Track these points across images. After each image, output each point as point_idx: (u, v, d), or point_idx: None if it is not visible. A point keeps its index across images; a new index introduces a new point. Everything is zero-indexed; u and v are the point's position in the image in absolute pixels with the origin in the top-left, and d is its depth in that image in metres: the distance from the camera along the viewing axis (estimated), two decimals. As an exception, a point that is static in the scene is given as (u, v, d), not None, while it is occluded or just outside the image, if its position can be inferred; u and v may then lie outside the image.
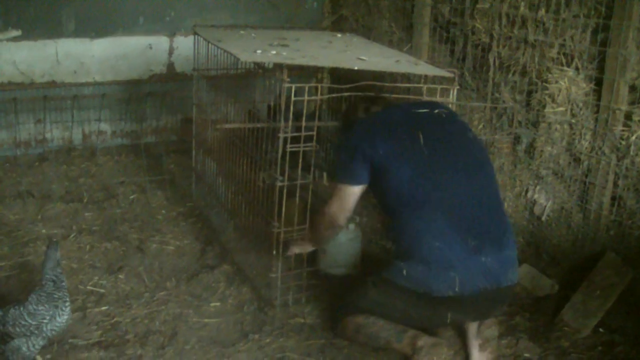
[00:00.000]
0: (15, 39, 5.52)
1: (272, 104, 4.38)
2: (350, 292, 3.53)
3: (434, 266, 3.10)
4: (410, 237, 3.20)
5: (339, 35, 5.06)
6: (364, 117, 3.59)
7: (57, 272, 3.17)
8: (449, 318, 3.22)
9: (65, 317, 3.15)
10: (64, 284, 3.18)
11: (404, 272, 3.17)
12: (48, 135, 5.74)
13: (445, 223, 3.14)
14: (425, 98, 3.80)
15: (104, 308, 3.72)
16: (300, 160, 3.57)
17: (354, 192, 3.40)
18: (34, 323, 3.08)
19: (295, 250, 3.77)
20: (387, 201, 3.35)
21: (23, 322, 3.07)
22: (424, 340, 3.21)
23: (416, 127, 3.33)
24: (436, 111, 3.42)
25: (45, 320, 3.09)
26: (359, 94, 3.61)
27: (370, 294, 3.37)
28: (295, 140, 3.53)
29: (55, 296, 3.12)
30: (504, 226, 3.26)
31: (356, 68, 3.68)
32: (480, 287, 3.09)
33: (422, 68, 3.98)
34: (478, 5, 4.63)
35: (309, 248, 3.79)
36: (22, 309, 3.10)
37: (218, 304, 3.85)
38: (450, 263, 3.09)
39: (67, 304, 3.17)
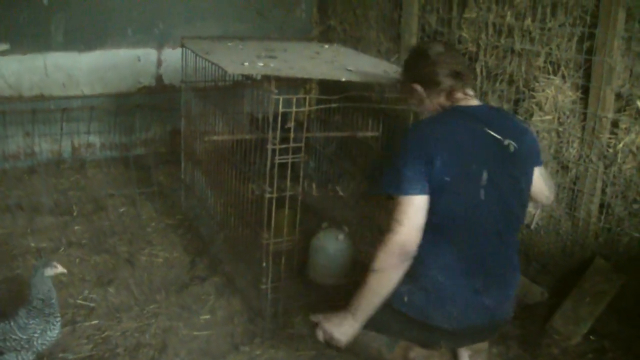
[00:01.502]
0: (3, 52, 5.52)
1: (258, 115, 4.39)
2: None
3: (433, 297, 2.94)
4: (418, 262, 2.90)
5: (327, 46, 5.08)
6: (428, 118, 3.02)
7: (45, 288, 3.14)
8: (441, 345, 3.16)
9: (56, 331, 3.14)
10: (53, 301, 3.15)
11: (405, 298, 2.93)
12: (37, 148, 5.74)
13: (458, 260, 2.93)
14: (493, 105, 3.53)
15: (94, 322, 3.71)
16: (289, 171, 3.57)
17: (422, 203, 2.82)
18: (24, 337, 3.07)
19: (340, 334, 2.95)
20: None
21: (14, 337, 3.06)
22: (416, 352, 3.19)
23: (483, 162, 2.86)
24: (506, 143, 2.91)
25: (36, 335, 3.08)
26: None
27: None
28: (284, 151, 3.54)
29: (46, 312, 3.11)
30: (514, 268, 3.11)
31: (344, 79, 3.69)
32: (477, 323, 3.01)
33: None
34: (465, 15, 4.65)
35: (355, 325, 2.93)
36: (12, 323, 3.09)
37: (208, 316, 3.84)
38: (451, 298, 2.94)
39: (58, 318, 3.16)
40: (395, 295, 2.91)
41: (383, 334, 3.14)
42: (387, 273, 2.83)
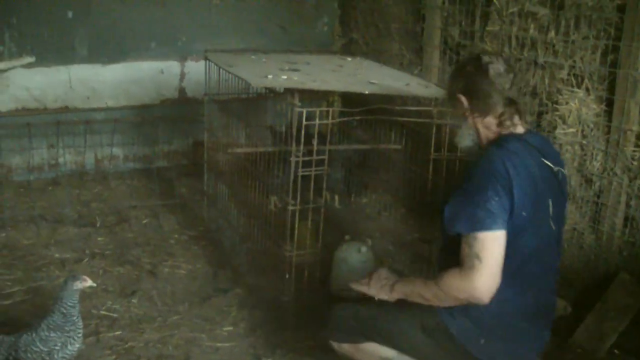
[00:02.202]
0: (29, 65, 5.58)
1: (280, 128, 4.40)
2: (382, 321, 2.95)
3: (512, 346, 2.78)
4: (498, 309, 2.67)
5: (349, 59, 5.09)
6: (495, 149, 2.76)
7: (69, 303, 3.12)
8: None
9: (77, 345, 3.15)
10: (74, 318, 3.14)
11: (482, 341, 2.73)
12: (61, 160, 5.78)
13: (532, 302, 2.77)
14: (537, 133, 3.30)
15: (117, 333, 3.72)
16: (312, 184, 3.58)
17: (502, 239, 2.58)
18: (45, 349, 3.08)
19: (375, 289, 3.01)
20: None
21: (35, 349, 3.07)
22: None
23: (548, 193, 2.74)
24: (556, 170, 2.81)
25: (57, 347, 3.09)
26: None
27: (411, 335, 2.86)
28: (307, 163, 3.54)
29: (67, 327, 3.12)
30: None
31: (367, 92, 3.69)
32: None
33: (432, 91, 3.99)
34: (488, 28, 4.65)
35: (389, 294, 2.95)
36: (34, 335, 3.10)
37: (231, 327, 3.85)
38: (526, 343, 2.83)
39: (80, 333, 3.16)
40: (469, 334, 2.75)
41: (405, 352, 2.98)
42: (445, 299, 2.68)
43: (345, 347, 3.02)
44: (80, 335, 3.16)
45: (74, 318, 3.13)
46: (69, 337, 3.11)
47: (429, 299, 2.74)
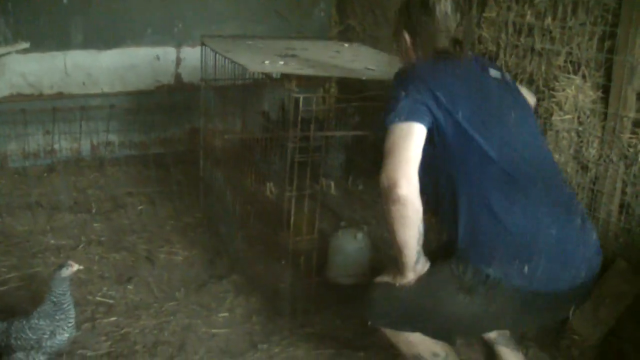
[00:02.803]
0: (24, 51, 5.55)
1: (274, 113, 4.38)
2: (418, 299, 2.72)
3: (554, 266, 2.58)
4: (526, 222, 2.54)
5: (347, 45, 5.08)
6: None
7: (59, 291, 3.13)
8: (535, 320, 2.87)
9: (67, 335, 3.15)
10: (65, 305, 3.14)
11: (525, 269, 2.52)
12: (57, 147, 5.76)
13: (549, 212, 2.61)
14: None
15: (113, 319, 3.73)
16: (309, 170, 3.57)
17: (417, 132, 2.51)
18: (34, 337, 3.08)
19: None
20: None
21: (24, 336, 3.08)
22: None
23: (495, 96, 2.69)
24: (499, 75, 2.74)
25: (45, 336, 3.09)
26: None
27: (452, 302, 2.64)
28: (304, 150, 3.54)
29: (57, 316, 3.12)
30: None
31: (364, 78, 3.69)
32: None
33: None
34: (485, 14, 4.63)
35: (398, 275, 2.74)
36: (24, 322, 3.11)
37: (227, 314, 3.85)
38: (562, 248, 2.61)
39: (71, 322, 3.16)
40: (508, 267, 2.56)
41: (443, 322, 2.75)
42: (387, 210, 2.54)
43: (386, 332, 2.87)
44: (71, 324, 3.15)
45: (65, 306, 3.13)
46: (59, 326, 3.11)
47: (390, 226, 2.60)
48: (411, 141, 2.49)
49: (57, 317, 3.11)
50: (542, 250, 2.56)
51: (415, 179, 2.47)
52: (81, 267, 3.24)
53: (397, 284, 2.72)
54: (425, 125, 2.52)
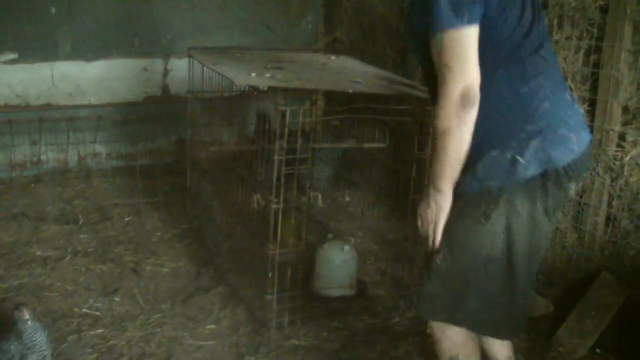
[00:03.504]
0: (11, 61, 5.54)
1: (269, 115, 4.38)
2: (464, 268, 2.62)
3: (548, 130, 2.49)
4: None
5: (334, 57, 5.09)
6: None
7: (25, 333, 3.10)
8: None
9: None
10: (30, 342, 3.09)
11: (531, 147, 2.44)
12: (43, 157, 5.75)
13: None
14: None
15: (99, 331, 3.71)
16: (296, 182, 3.58)
17: (472, 35, 2.40)
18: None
19: (432, 214, 2.63)
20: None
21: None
22: None
23: None
24: None
25: None
26: None
27: (495, 246, 2.54)
28: (290, 161, 3.54)
29: (27, 344, 3.09)
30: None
31: (350, 91, 3.70)
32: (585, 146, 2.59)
33: (417, 91, 4.00)
34: (471, 27, 4.66)
35: (444, 195, 2.59)
36: None
37: (213, 326, 3.84)
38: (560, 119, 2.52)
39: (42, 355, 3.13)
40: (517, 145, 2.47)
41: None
42: (458, 130, 2.44)
43: (435, 328, 2.82)
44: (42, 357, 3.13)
45: (29, 342, 3.09)
46: (25, 355, 3.09)
47: (452, 150, 2.48)
48: (474, 44, 2.40)
49: (27, 344, 3.08)
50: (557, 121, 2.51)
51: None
52: (27, 318, 3.13)
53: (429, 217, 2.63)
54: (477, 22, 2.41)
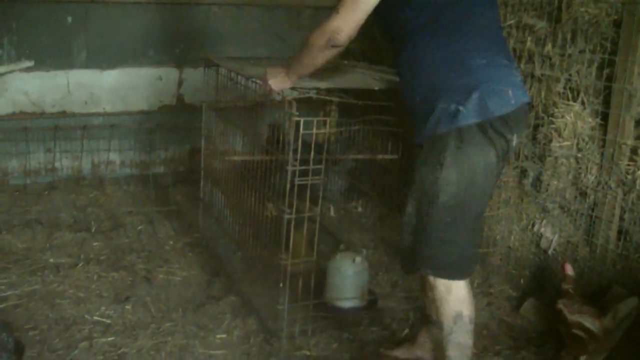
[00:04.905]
0: (27, 69, 5.58)
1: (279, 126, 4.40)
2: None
3: (480, 86, 2.83)
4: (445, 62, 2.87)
5: (346, 62, 5.08)
6: None
7: None
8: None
9: None
10: None
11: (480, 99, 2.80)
12: (58, 165, 5.79)
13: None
14: None
15: (110, 338, 3.72)
16: (308, 193, 3.58)
17: (371, 2, 2.94)
18: None
19: (273, 84, 3.50)
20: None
21: None
22: None
23: None
24: None
25: None
26: None
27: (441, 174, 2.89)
28: (303, 172, 3.55)
29: None
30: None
31: (376, 88, 3.74)
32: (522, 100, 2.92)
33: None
34: (485, 40, 4.67)
35: (287, 81, 3.47)
36: None
37: (224, 335, 3.85)
38: (492, 75, 2.88)
39: None
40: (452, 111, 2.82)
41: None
42: (318, 54, 3.12)
43: (440, 286, 3.02)
44: None
45: None
46: None
47: (306, 60, 3.22)
48: (364, 8, 2.97)
49: None
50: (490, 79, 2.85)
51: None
52: None
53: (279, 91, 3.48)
54: None
